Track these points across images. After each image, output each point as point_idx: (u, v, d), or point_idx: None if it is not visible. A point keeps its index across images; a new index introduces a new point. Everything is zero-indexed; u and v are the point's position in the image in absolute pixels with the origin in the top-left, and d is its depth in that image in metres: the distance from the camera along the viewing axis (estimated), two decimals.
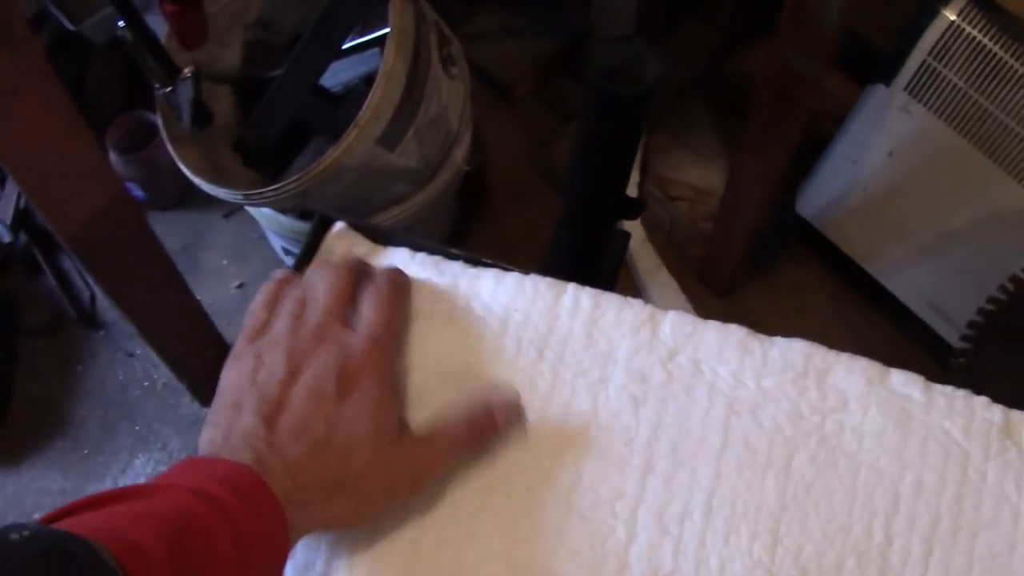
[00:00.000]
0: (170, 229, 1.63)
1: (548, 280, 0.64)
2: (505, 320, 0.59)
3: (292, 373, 0.49)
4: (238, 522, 0.42)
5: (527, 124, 1.84)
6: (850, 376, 0.58)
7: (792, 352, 0.61)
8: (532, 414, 0.57)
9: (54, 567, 0.35)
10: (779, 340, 0.62)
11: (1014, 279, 1.36)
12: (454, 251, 0.63)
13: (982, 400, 0.60)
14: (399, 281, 0.56)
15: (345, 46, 1.44)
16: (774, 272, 1.71)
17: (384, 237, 0.64)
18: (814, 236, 1.62)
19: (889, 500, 0.58)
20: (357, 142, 1.13)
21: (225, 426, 0.48)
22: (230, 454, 0.46)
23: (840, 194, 1.54)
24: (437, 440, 0.51)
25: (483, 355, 0.58)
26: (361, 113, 1.12)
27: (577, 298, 0.60)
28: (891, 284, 1.56)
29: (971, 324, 1.41)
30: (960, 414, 0.59)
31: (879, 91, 1.36)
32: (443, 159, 1.33)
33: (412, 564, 0.53)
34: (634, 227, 1.60)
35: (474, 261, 0.62)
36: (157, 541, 0.39)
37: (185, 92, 1.16)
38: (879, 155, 1.45)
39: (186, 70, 1.13)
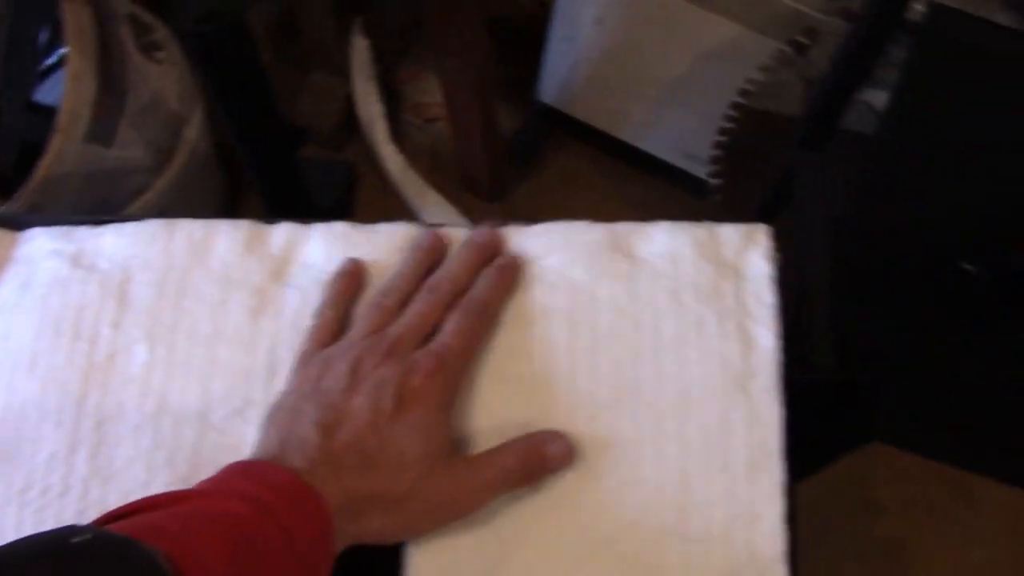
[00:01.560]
0: None
1: (163, 221, 0.66)
2: (127, 267, 0.61)
3: (355, 383, 0.50)
4: (290, 530, 0.43)
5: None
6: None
7: (394, 232, 0.63)
8: (162, 348, 0.59)
9: (116, 572, 0.36)
10: (382, 226, 0.63)
11: (735, 105, 1.42)
12: (84, 218, 0.66)
13: (581, 224, 0.62)
14: (490, 296, 0.55)
15: (53, 59, 1.43)
16: (541, 164, 1.75)
17: (20, 223, 0.64)
18: (566, 120, 1.66)
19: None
20: (64, 147, 1.13)
21: (284, 432, 0.49)
22: (285, 461, 0.47)
23: (569, 72, 1.58)
24: (486, 469, 0.50)
25: (112, 306, 0.60)
26: (57, 118, 1.12)
27: (190, 232, 0.62)
28: (645, 144, 1.61)
29: (714, 159, 1.47)
30: (559, 246, 0.60)
31: None
32: (174, 141, 1.34)
33: None
34: (392, 157, 1.63)
35: (98, 222, 0.63)
36: (214, 547, 0.40)
37: None
38: (590, 25, 1.49)
39: None
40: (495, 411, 0.55)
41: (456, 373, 0.52)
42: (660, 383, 0.57)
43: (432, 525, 0.50)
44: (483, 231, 0.58)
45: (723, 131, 1.45)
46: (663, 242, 0.58)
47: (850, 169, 1.31)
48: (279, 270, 0.60)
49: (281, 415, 0.50)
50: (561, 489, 0.55)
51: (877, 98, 1.27)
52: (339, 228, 0.61)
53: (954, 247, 1.19)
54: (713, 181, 1.51)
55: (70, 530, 0.37)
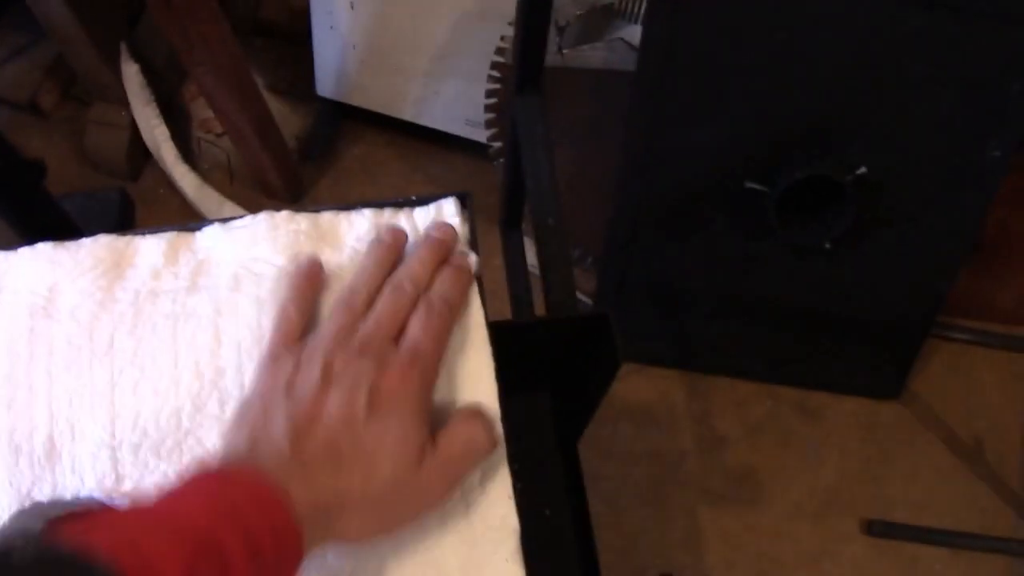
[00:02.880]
0: None
1: None
2: None
3: (326, 383, 0.49)
4: (256, 538, 0.41)
5: (67, 127, 1.81)
6: (150, 248, 0.64)
7: (97, 247, 0.64)
8: None
9: None
10: (85, 241, 0.65)
11: (495, 65, 1.41)
12: None
13: (283, 215, 0.64)
14: (453, 295, 0.55)
15: None
16: (337, 157, 1.74)
17: None
18: (352, 110, 1.64)
19: (210, 336, 0.60)
20: None
21: (254, 432, 0.48)
22: (255, 461, 0.46)
23: (339, 62, 1.57)
24: (452, 453, 0.50)
25: None
26: None
27: None
28: (428, 120, 1.61)
29: (488, 122, 1.46)
30: (263, 237, 0.64)
31: None
32: None
33: None
34: (185, 177, 1.60)
35: None
36: (172, 558, 0.38)
37: None
38: (345, 12, 1.47)
39: None
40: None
41: (429, 370, 0.51)
42: None
43: (410, 519, 0.50)
44: (439, 226, 0.58)
45: (490, 92, 1.44)
46: (364, 226, 0.62)
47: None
48: None
49: (251, 414, 0.49)
50: None
51: (634, 34, 1.27)
52: (43, 249, 0.62)
53: (737, 169, 1.20)
54: (493, 144, 1.50)
55: (11, 542, 0.36)
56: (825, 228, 1.23)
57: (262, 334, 0.60)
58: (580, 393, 0.76)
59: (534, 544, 0.56)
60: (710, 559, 1.46)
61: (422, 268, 0.56)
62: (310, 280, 0.56)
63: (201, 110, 1.71)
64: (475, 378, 0.59)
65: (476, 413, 0.53)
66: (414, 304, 0.54)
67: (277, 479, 0.45)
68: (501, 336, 0.60)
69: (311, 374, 0.50)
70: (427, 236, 0.58)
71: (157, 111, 1.62)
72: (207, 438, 0.58)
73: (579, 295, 1.47)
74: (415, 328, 0.52)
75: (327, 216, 0.64)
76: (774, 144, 1.18)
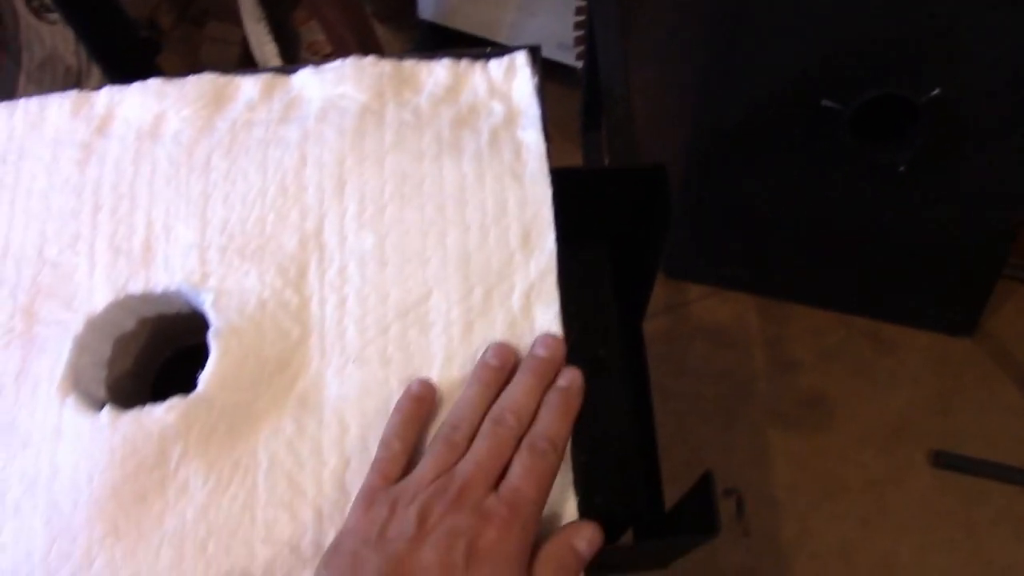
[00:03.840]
0: None
1: (3, 103, 0.74)
2: None
3: (423, 532, 0.47)
4: None
5: (182, 46, 1.91)
6: (249, 86, 0.73)
7: (202, 83, 0.73)
8: (4, 205, 0.68)
9: None
10: (191, 78, 0.74)
11: None
12: None
13: (370, 59, 0.72)
14: (559, 432, 0.52)
15: None
16: None
17: None
18: (450, 34, 1.70)
19: (296, 158, 0.68)
20: None
21: None
22: None
23: None
24: None
25: None
26: None
27: (26, 107, 0.70)
28: (522, 42, 1.64)
29: (577, 41, 1.51)
30: (350, 77, 0.71)
31: None
32: None
33: None
34: None
35: None
36: None
37: None
38: None
39: None
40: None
41: (530, 522, 0.48)
42: (440, 179, 0.67)
43: None
44: (545, 343, 0.56)
45: (578, 11, 1.49)
46: (442, 73, 0.68)
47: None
48: (102, 126, 0.68)
49: (340, 560, 0.48)
50: (352, 275, 0.65)
51: None
52: (153, 84, 0.69)
53: (813, 88, 1.23)
54: (579, 64, 1.55)
55: None
56: (899, 150, 1.26)
57: (343, 157, 0.67)
58: (638, 255, 0.82)
59: (590, 407, 0.58)
60: (775, 479, 1.50)
61: (526, 399, 0.53)
62: (419, 406, 0.55)
63: (310, 33, 1.79)
64: (536, 222, 0.65)
65: (562, 543, 0.51)
66: (517, 441, 0.51)
67: None
68: (562, 183, 0.66)
69: (406, 524, 0.47)
70: (532, 357, 0.55)
71: (268, 29, 1.70)
72: (287, 244, 0.65)
73: None
74: (517, 474, 0.50)
75: (409, 63, 0.72)
76: (851, 63, 1.21)
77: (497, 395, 0.54)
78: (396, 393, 0.60)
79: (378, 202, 0.66)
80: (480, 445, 0.51)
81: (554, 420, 0.52)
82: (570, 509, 0.56)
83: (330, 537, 0.57)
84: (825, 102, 1.26)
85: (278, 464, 0.60)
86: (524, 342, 0.61)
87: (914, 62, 1.20)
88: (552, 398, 0.53)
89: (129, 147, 0.67)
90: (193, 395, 0.61)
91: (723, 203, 1.45)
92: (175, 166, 0.69)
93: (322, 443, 0.60)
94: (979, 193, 1.32)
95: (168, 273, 0.66)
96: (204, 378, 0.61)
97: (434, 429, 0.55)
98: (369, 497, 0.51)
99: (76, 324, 0.65)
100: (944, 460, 1.49)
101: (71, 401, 0.62)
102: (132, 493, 0.59)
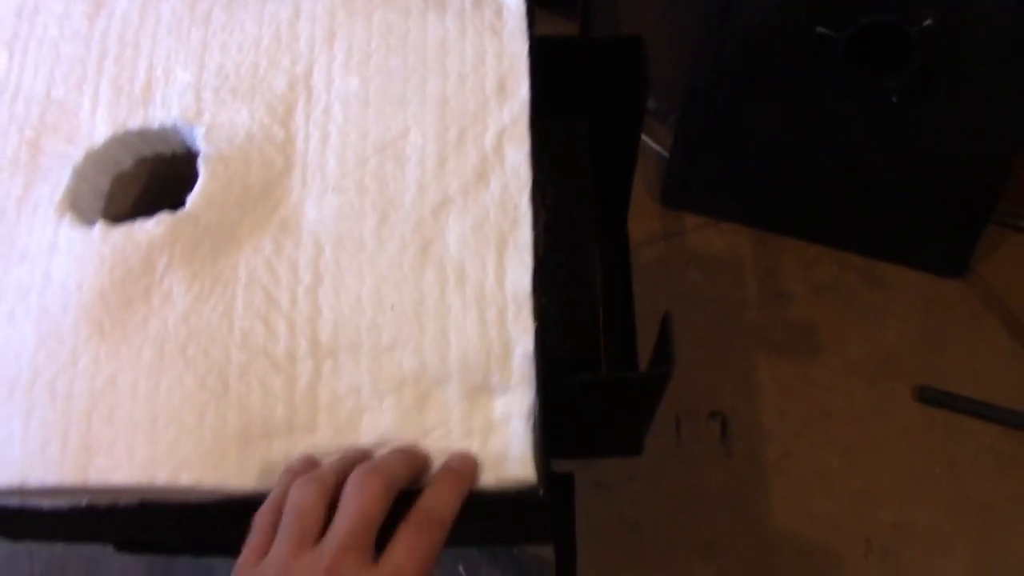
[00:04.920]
0: None
1: None
2: None
3: None
4: None
5: None
6: None
7: None
8: (18, 54, 0.74)
9: None
10: None
11: None
12: None
13: None
14: (444, 515, 0.49)
15: None
16: None
17: None
18: None
19: (291, 11, 0.73)
20: None
21: None
22: None
23: None
24: None
25: None
26: None
27: None
28: None
29: None
30: None
31: None
32: None
33: None
34: None
35: None
36: None
37: None
38: None
39: None
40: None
41: None
42: (424, 32, 0.71)
43: None
44: (459, 458, 0.55)
45: None
46: None
47: None
48: None
49: None
50: (336, 114, 0.69)
51: None
52: None
53: (808, 15, 1.27)
54: None
55: None
56: (892, 80, 1.29)
57: (334, 10, 0.71)
58: (616, 131, 0.85)
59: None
60: (762, 405, 1.53)
61: (396, 460, 0.52)
62: (296, 482, 0.51)
63: None
64: (511, 73, 0.70)
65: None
66: (388, 493, 0.48)
67: None
68: (542, 52, 0.70)
69: None
70: (447, 466, 0.54)
71: None
72: (277, 85, 0.70)
73: (658, 148, 1.56)
74: (398, 545, 0.46)
75: None
76: None
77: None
78: (371, 220, 0.65)
79: (364, 51, 0.71)
80: (346, 513, 0.47)
81: (443, 493, 0.50)
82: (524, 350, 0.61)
83: (301, 347, 0.62)
84: (820, 29, 1.29)
85: (256, 280, 0.64)
86: (494, 179, 0.65)
87: None
88: (441, 473, 0.52)
89: (136, 1, 0.71)
90: (181, 212, 0.65)
91: (721, 134, 1.49)
92: (178, 18, 0.74)
93: (299, 262, 0.64)
94: (972, 128, 1.35)
95: (165, 110, 0.70)
96: (192, 198, 0.66)
97: None
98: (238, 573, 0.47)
99: (76, 156, 0.69)
100: (929, 396, 1.52)
101: (67, 219, 0.66)
102: (118, 298, 0.63)
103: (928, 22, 1.21)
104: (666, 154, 1.60)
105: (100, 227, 0.64)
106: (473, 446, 0.58)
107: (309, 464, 0.53)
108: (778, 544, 1.44)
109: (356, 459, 0.52)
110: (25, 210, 0.68)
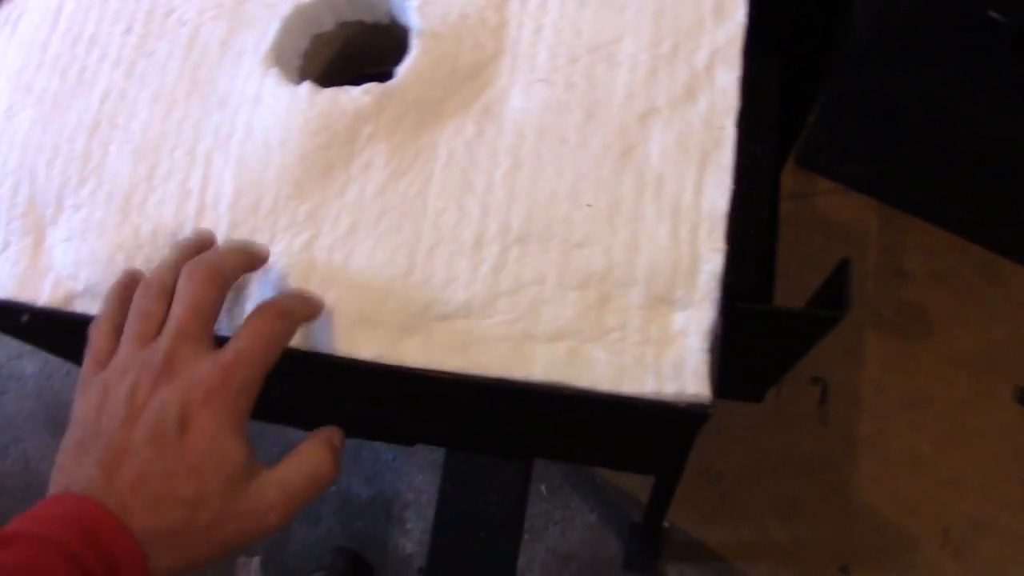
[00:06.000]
0: None
1: None
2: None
3: (134, 413, 0.44)
4: (81, 562, 0.39)
5: None
6: None
7: None
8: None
9: None
10: None
11: None
12: None
13: None
14: (291, 307, 0.51)
15: None
16: None
17: None
18: None
19: None
20: None
21: (68, 472, 0.44)
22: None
23: None
24: (289, 478, 0.47)
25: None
26: None
27: None
28: None
29: None
30: None
31: None
32: None
33: None
34: None
35: None
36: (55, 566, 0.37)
37: None
38: None
39: None
40: None
41: (249, 384, 0.46)
42: None
43: (247, 542, 0.46)
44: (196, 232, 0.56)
45: None
46: None
47: None
48: None
49: (66, 458, 0.45)
50: (552, 7, 0.68)
51: None
52: None
53: None
54: None
55: None
56: None
57: None
58: (805, 76, 0.84)
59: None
60: (863, 377, 1.52)
61: (229, 254, 0.53)
62: (125, 289, 0.52)
63: None
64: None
65: (322, 441, 0.50)
66: (219, 289, 0.49)
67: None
68: None
69: (117, 407, 0.45)
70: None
71: None
72: None
73: None
74: (241, 332, 0.48)
75: None
76: None
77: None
78: (575, 117, 0.64)
79: None
80: (178, 304, 0.48)
81: (296, 292, 0.54)
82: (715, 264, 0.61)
83: (491, 231, 0.62)
84: (991, 13, 1.25)
85: (455, 160, 0.64)
86: (702, 97, 0.65)
87: None
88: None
89: None
90: (390, 83, 0.65)
91: (869, 103, 1.46)
92: None
93: (498, 148, 0.64)
94: None
95: None
96: (401, 71, 0.66)
97: None
98: (84, 386, 0.48)
99: (283, 8, 0.69)
100: None
101: (274, 72, 0.67)
102: (321, 162, 0.64)
103: None
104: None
105: (307, 88, 0.65)
106: (648, 355, 0.58)
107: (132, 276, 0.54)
108: (857, 518, 1.44)
109: (190, 254, 0.52)
110: (228, 55, 0.68)
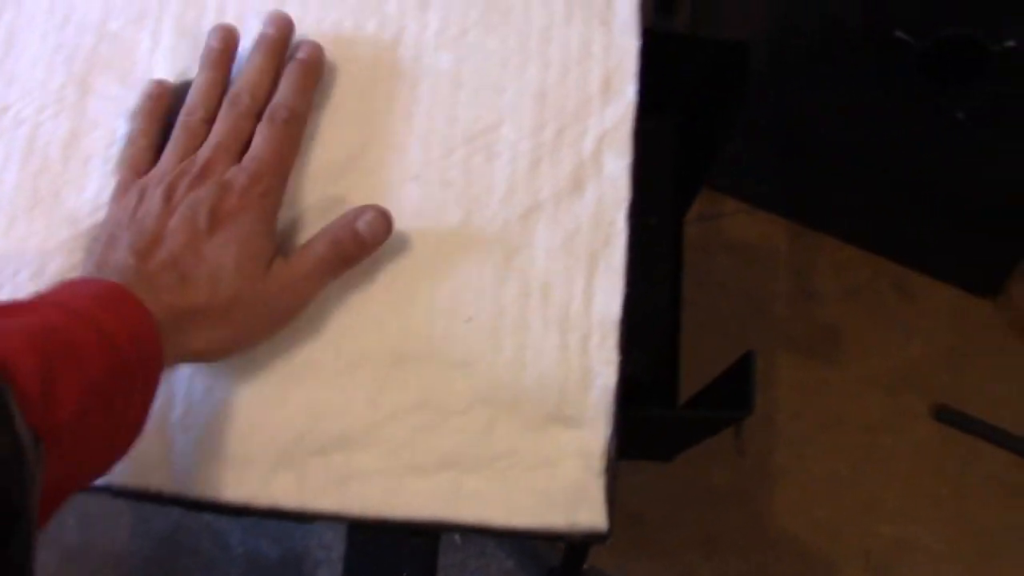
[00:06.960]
0: None
1: None
2: None
3: (168, 209, 0.50)
4: (107, 331, 0.42)
5: None
6: None
7: None
8: None
9: None
10: None
11: None
12: None
13: None
14: (297, 101, 0.56)
15: None
16: None
17: None
18: None
19: None
20: None
21: (99, 258, 0.49)
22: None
23: None
24: (302, 263, 0.51)
25: None
26: None
27: None
28: None
29: None
30: None
31: None
32: None
33: None
34: None
35: None
36: (26, 354, 0.38)
37: None
38: None
39: None
40: None
41: (272, 187, 0.52)
42: (528, 12, 0.64)
43: (262, 333, 0.51)
44: (273, 20, 0.58)
45: None
46: None
47: None
48: None
49: (97, 246, 0.51)
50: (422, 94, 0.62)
51: None
52: None
53: (889, 17, 1.21)
54: None
55: None
56: (963, 97, 1.23)
57: None
58: (703, 135, 0.79)
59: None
60: (778, 402, 1.50)
61: (260, 77, 0.56)
62: (158, 103, 0.57)
63: None
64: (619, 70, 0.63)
65: (345, 223, 0.53)
66: (256, 118, 0.54)
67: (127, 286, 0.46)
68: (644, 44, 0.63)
69: (153, 204, 0.50)
70: (261, 36, 0.57)
71: None
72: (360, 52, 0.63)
73: None
74: (257, 144, 0.53)
75: None
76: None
77: (227, 77, 0.57)
78: (453, 218, 0.59)
79: (461, 25, 0.64)
80: (218, 127, 0.53)
81: (294, 91, 0.55)
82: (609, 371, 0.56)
83: (366, 353, 0.57)
84: (898, 33, 1.23)
85: None
86: (589, 189, 0.59)
87: (997, 6, 1.16)
88: (291, 70, 0.56)
89: None
90: None
91: (776, 120, 1.43)
92: None
93: (370, 260, 0.58)
94: None
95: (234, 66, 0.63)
96: None
97: None
98: (121, 190, 0.53)
99: (130, 99, 0.63)
100: (945, 415, 1.49)
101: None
102: None
103: (1011, 43, 1.15)
104: None
105: None
106: (538, 482, 0.53)
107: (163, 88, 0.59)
108: (779, 546, 1.42)
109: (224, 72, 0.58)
110: (73, 161, 0.61)
